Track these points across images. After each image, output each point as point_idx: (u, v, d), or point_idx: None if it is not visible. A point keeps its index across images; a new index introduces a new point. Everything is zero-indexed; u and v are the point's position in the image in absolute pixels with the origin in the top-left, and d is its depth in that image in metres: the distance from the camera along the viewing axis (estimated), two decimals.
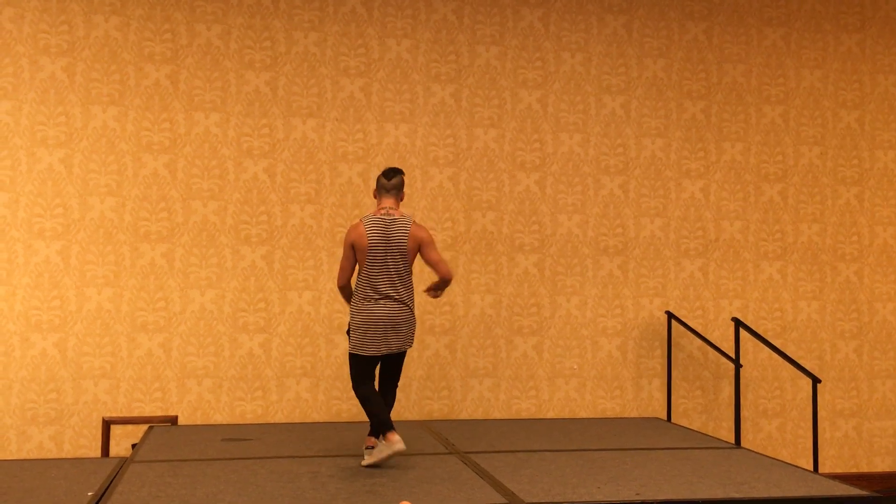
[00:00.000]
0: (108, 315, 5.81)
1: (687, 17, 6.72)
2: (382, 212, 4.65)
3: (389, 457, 4.42)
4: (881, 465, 6.82)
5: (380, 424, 4.47)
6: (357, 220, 4.72)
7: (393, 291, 4.58)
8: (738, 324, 5.92)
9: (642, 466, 4.58)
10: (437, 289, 4.75)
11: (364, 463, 4.51)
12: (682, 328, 6.52)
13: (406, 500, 3.80)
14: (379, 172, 6.21)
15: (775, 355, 6.62)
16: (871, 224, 6.92)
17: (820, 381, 5.52)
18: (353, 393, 6.11)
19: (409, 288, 4.65)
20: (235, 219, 6.01)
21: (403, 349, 4.65)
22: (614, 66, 6.61)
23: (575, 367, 6.42)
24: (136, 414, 5.82)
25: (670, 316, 6.45)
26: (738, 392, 5.82)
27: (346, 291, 4.75)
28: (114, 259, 5.83)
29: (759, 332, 6.63)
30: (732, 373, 6.61)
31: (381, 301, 4.56)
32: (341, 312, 6.12)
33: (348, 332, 4.67)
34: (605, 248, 6.51)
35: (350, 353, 4.62)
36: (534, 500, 3.81)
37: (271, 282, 6.04)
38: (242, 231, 6.02)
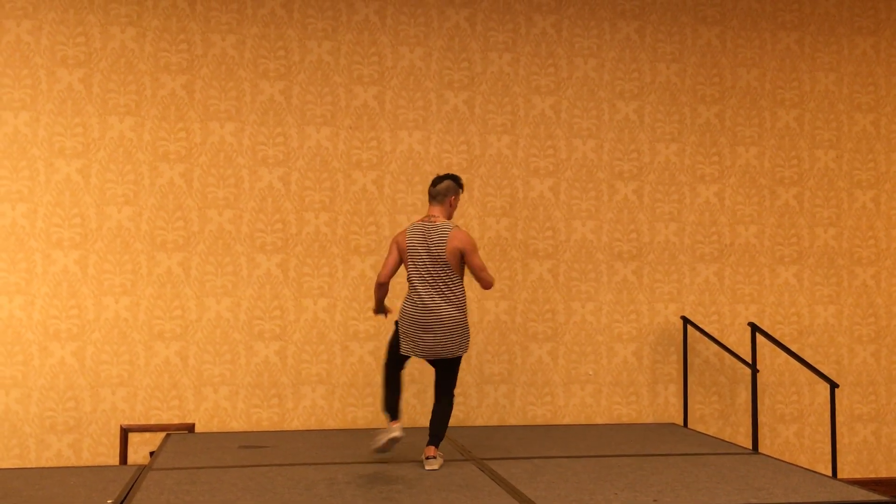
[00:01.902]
0: (126, 324, 5.85)
1: (700, 21, 6.72)
2: (427, 219, 4.78)
3: (388, 442, 4.61)
4: None
5: (385, 409, 4.76)
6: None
7: (430, 298, 4.64)
8: (755, 328, 5.89)
9: (659, 472, 4.56)
10: None
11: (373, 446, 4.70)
12: (697, 333, 6.49)
13: None
14: (393, 180, 6.23)
15: (792, 360, 6.59)
16: (888, 228, 6.88)
17: (838, 386, 5.49)
18: (368, 400, 6.14)
19: (452, 294, 4.68)
20: (251, 227, 6.05)
21: (444, 356, 4.68)
22: (627, 71, 6.60)
23: (590, 372, 6.41)
24: (153, 422, 5.86)
25: (686, 321, 6.42)
26: (754, 397, 5.79)
27: (380, 291, 4.89)
28: (131, 268, 5.88)
29: (776, 336, 6.59)
30: (749, 378, 6.57)
31: (419, 305, 4.66)
32: (356, 320, 6.14)
33: (396, 323, 4.85)
34: (619, 254, 6.50)
35: (394, 343, 4.83)
36: None
37: (286, 290, 6.06)
38: (258, 239, 6.05)
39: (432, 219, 4.75)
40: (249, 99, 6.09)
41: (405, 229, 4.83)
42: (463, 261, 4.72)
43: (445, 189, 4.78)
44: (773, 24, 6.82)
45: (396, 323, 4.83)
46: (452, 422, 6.21)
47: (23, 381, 5.69)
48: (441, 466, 4.72)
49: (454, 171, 6.29)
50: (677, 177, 6.61)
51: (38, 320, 5.74)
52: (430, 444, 4.74)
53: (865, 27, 6.95)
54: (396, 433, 4.61)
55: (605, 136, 6.54)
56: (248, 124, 6.08)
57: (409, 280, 4.77)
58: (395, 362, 4.82)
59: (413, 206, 6.24)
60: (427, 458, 4.69)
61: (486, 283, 4.77)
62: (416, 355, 4.71)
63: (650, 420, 6.48)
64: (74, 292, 5.79)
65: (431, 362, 4.79)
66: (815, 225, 6.78)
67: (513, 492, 4.10)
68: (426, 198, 6.25)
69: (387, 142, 6.25)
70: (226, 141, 6.04)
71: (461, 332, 4.68)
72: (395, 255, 4.80)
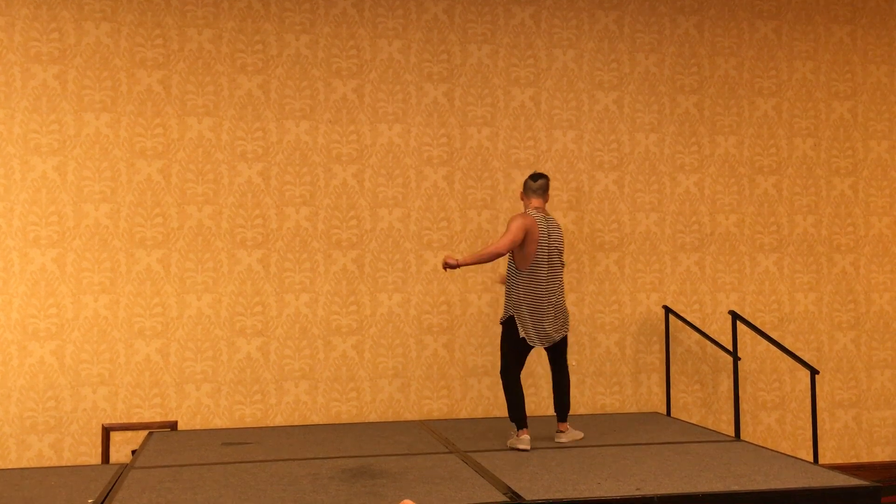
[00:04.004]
0: (106, 322, 5.80)
1: (678, 11, 6.73)
2: (541, 210, 5.05)
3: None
4: (881, 455, 6.84)
5: (515, 418, 4.94)
6: (520, 213, 5.03)
7: (556, 287, 5.02)
8: (736, 317, 5.93)
9: (642, 461, 4.58)
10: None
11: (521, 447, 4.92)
12: (679, 322, 6.52)
13: (408, 499, 3.80)
14: (373, 173, 6.21)
15: (773, 348, 6.63)
16: (866, 214, 6.93)
17: (818, 373, 5.53)
18: (351, 395, 6.12)
19: (563, 281, 5.19)
20: (231, 223, 6.01)
21: (563, 335, 5.11)
22: (606, 61, 6.61)
23: (573, 363, 6.42)
24: (135, 420, 5.82)
25: (667, 310, 6.45)
26: (736, 385, 5.82)
27: (493, 259, 4.95)
28: (110, 266, 5.83)
29: (757, 324, 6.64)
30: (731, 366, 6.61)
31: (547, 294, 4.96)
32: (338, 314, 6.12)
33: (507, 320, 4.98)
34: (601, 244, 6.51)
35: (512, 340, 4.97)
36: (535, 498, 3.81)
37: (268, 285, 6.03)
38: (238, 235, 6.01)
39: (546, 211, 5.11)
40: (227, 94, 6.04)
41: (530, 216, 4.96)
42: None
43: (545, 185, 5.11)
44: (751, 14, 6.84)
45: (509, 324, 4.96)
46: (437, 415, 6.22)
47: (2, 382, 5.63)
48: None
49: (434, 163, 6.29)
50: (657, 167, 6.63)
51: (17, 320, 5.68)
52: (563, 420, 5.18)
53: (842, 15, 6.98)
54: (528, 446, 4.90)
55: (585, 127, 6.55)
56: (226, 119, 6.04)
57: (530, 269, 4.93)
58: (523, 359, 5.05)
59: (394, 199, 6.22)
60: (560, 432, 5.16)
61: None
62: (545, 344, 5.02)
63: (633, 409, 6.50)
64: (53, 291, 5.74)
65: (551, 346, 5.11)
66: (795, 213, 6.82)
67: (497, 483, 4.11)
68: (406, 191, 6.24)
69: (366, 135, 6.23)
70: (204, 136, 6.00)
71: (568, 313, 5.21)
72: (522, 238, 4.89)
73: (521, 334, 4.93)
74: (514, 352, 5.02)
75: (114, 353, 5.81)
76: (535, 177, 5.10)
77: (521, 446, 4.87)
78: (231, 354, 5.96)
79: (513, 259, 5.01)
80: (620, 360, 6.50)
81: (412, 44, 6.32)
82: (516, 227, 4.87)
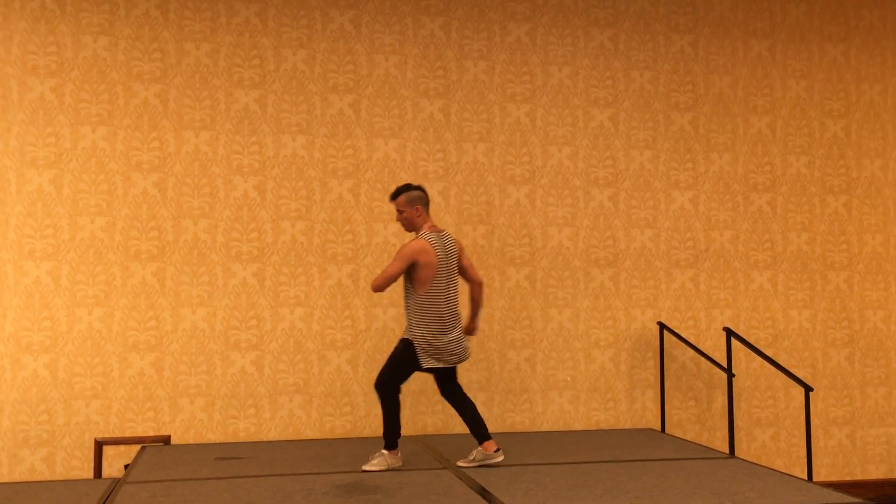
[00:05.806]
0: (99, 335, 5.79)
1: (673, 29, 6.78)
2: (434, 230, 4.82)
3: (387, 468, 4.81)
4: (875, 473, 6.83)
5: (393, 434, 4.79)
6: (416, 238, 4.72)
7: (457, 306, 4.84)
8: (730, 333, 5.94)
9: (637, 478, 4.58)
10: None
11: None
12: (674, 339, 6.53)
13: None
14: (369, 188, 6.22)
15: (768, 364, 6.64)
16: (860, 232, 6.96)
17: (812, 390, 5.53)
18: (346, 409, 6.11)
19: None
20: (226, 236, 6.01)
21: (465, 359, 4.90)
22: (601, 78, 6.65)
23: (568, 379, 6.42)
24: (128, 434, 5.79)
25: (662, 327, 6.46)
26: (731, 402, 5.83)
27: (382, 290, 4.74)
28: (104, 279, 5.82)
29: (751, 341, 6.65)
30: (725, 383, 6.62)
31: (454, 318, 4.79)
32: (333, 329, 6.11)
33: (414, 343, 4.71)
34: (596, 260, 6.52)
35: (409, 361, 4.73)
36: None
37: (263, 299, 6.03)
38: (233, 249, 6.02)
39: (437, 227, 4.90)
40: (224, 108, 6.06)
41: (425, 243, 4.70)
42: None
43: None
44: (745, 32, 6.89)
45: (409, 345, 4.71)
46: (431, 430, 6.21)
47: None
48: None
49: (430, 179, 6.30)
50: (652, 183, 6.66)
51: (10, 332, 5.66)
52: (489, 439, 4.88)
53: (835, 34, 7.04)
54: (401, 463, 4.86)
55: (580, 144, 6.58)
56: (222, 133, 6.05)
57: (439, 294, 4.72)
58: (402, 382, 4.84)
59: (390, 214, 6.23)
60: (498, 450, 4.86)
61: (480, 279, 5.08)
62: (453, 363, 4.79)
63: (628, 426, 6.50)
64: (47, 304, 5.72)
65: (450, 368, 4.86)
66: (789, 230, 6.85)
67: (491, 499, 4.10)
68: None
69: (363, 150, 6.24)
70: (200, 150, 6.01)
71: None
72: (403, 272, 4.73)
73: (423, 363, 4.71)
74: (406, 371, 4.75)
75: (107, 367, 5.79)
76: (420, 188, 4.86)
77: (397, 465, 4.80)
78: (225, 368, 5.95)
79: (410, 282, 4.74)
80: (615, 376, 6.50)
81: (409, 60, 6.35)
82: (402, 259, 4.64)
